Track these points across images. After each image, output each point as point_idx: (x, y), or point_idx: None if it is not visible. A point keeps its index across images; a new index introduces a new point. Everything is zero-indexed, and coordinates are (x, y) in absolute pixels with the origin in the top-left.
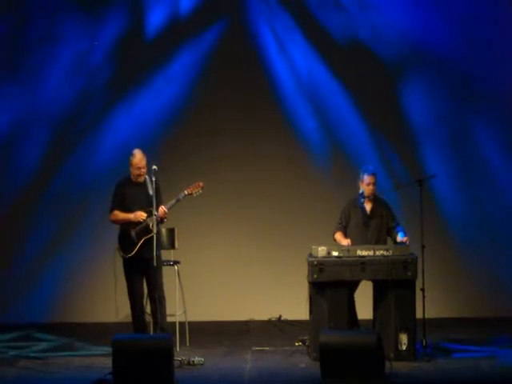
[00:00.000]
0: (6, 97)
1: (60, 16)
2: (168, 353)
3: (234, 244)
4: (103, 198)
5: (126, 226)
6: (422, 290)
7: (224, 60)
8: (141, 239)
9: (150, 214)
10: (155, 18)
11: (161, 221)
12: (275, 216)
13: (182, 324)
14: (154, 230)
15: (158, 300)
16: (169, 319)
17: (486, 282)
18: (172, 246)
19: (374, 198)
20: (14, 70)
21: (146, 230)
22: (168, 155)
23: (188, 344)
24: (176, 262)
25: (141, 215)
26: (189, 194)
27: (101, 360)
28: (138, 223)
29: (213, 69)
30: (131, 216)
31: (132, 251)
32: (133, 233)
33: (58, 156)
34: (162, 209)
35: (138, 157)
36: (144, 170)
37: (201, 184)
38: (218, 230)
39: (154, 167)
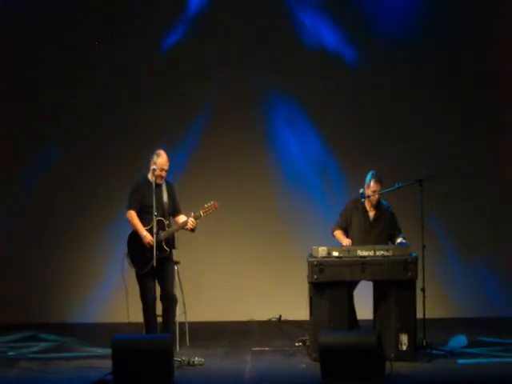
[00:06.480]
0: None
1: None
2: (168, 353)
3: (234, 244)
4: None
5: (138, 239)
6: (423, 290)
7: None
8: (155, 257)
9: (162, 225)
10: None
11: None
12: (275, 216)
13: (181, 324)
14: (155, 238)
15: (169, 302)
16: None
17: (485, 281)
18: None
19: (378, 205)
20: None
21: (160, 248)
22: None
23: (188, 344)
24: (176, 262)
25: (149, 243)
26: (205, 215)
27: (101, 360)
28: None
29: None
30: (143, 234)
31: (146, 267)
32: (147, 249)
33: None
34: (192, 222)
35: (164, 157)
36: (165, 174)
37: (216, 205)
38: (218, 230)
39: (154, 167)
